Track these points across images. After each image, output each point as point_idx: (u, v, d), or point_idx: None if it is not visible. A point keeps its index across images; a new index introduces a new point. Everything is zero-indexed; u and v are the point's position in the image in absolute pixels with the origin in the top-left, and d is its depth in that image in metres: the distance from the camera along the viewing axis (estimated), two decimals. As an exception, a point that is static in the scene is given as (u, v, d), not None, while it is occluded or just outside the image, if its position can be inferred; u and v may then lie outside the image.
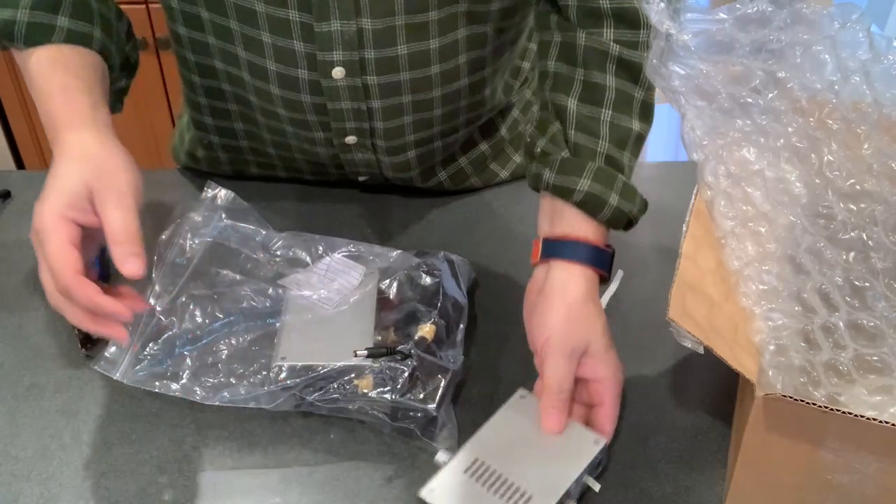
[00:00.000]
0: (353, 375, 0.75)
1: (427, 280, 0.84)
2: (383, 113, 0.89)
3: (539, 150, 0.80)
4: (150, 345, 0.79)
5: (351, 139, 0.92)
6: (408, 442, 0.75)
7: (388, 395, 0.74)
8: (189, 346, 0.79)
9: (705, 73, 0.68)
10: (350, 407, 0.75)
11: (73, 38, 0.76)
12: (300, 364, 0.76)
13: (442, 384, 0.75)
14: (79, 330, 0.85)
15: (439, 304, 0.81)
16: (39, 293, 0.90)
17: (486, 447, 0.71)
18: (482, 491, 0.68)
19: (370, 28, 0.81)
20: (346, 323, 0.80)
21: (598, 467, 0.72)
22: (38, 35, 0.75)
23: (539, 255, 0.79)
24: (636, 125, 0.80)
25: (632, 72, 0.80)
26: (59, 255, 0.65)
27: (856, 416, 0.56)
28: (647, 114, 0.82)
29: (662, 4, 0.67)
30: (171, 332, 0.80)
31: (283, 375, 0.75)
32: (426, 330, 0.78)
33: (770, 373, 0.63)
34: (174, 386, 0.77)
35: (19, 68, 0.78)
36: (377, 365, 0.75)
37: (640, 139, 0.81)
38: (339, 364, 0.75)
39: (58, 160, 0.70)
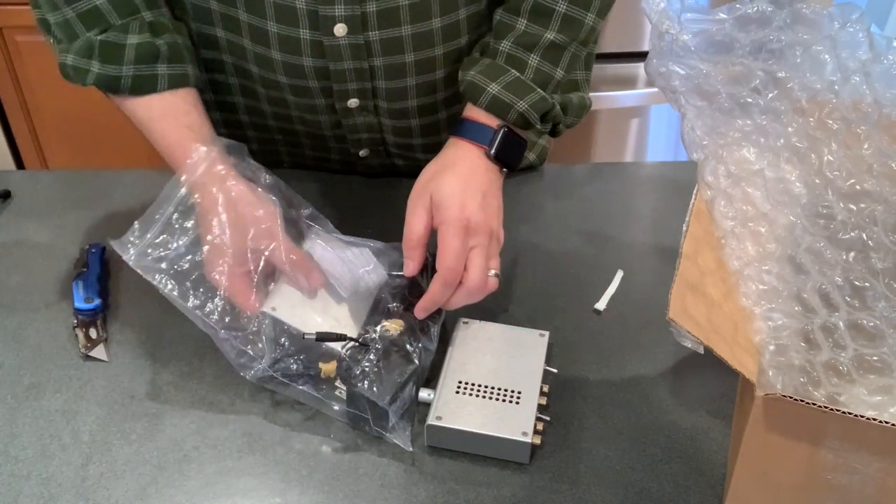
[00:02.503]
0: (319, 358, 0.78)
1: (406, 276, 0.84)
2: (385, 71, 0.90)
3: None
4: (164, 237, 0.80)
5: (353, 102, 0.93)
6: (408, 442, 0.75)
7: (343, 383, 0.76)
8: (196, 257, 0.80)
9: (705, 73, 0.68)
10: (308, 390, 0.77)
11: (174, 82, 0.85)
12: (282, 320, 0.78)
13: (399, 380, 0.75)
14: (79, 330, 0.85)
15: (413, 301, 0.82)
16: (39, 293, 0.91)
17: (460, 370, 0.78)
18: (479, 401, 0.75)
19: None
20: (342, 307, 0.81)
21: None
22: (144, 86, 0.84)
23: None
24: (551, 34, 0.86)
25: None
26: (246, 306, 0.78)
27: (856, 416, 0.56)
28: (568, 25, 0.87)
29: (663, 4, 0.67)
30: (185, 238, 0.81)
31: (263, 326, 0.78)
32: (392, 325, 0.79)
33: (770, 373, 0.63)
34: (170, 285, 0.78)
35: (124, 113, 0.87)
36: (346, 352, 0.77)
37: (556, 46, 0.87)
38: (304, 340, 0.78)
39: (206, 215, 0.79)
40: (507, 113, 0.85)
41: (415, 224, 0.82)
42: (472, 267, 0.79)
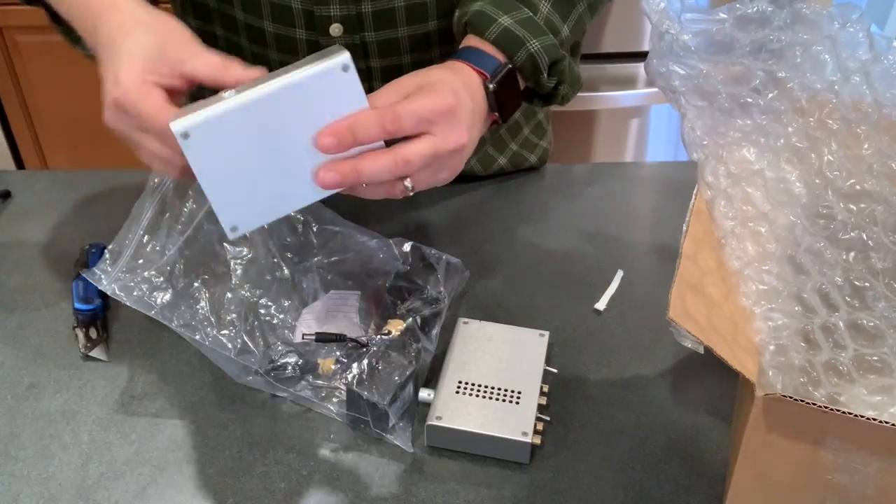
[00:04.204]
0: (317, 357, 0.78)
1: (411, 276, 0.85)
2: (382, 73, 0.90)
3: None
4: (140, 261, 0.79)
5: None
6: (409, 443, 0.75)
7: (342, 383, 0.76)
8: (182, 280, 0.80)
9: (705, 73, 0.68)
10: (308, 394, 0.77)
11: None
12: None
13: (399, 380, 0.75)
14: (79, 330, 0.85)
15: (413, 301, 0.82)
16: (39, 293, 0.91)
17: (461, 370, 0.78)
18: (479, 401, 0.75)
19: None
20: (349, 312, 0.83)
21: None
22: None
23: None
24: None
25: None
26: (158, 114, 0.65)
27: (856, 416, 0.56)
28: None
29: (663, 4, 0.67)
30: (160, 260, 0.80)
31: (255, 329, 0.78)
32: (394, 325, 0.80)
33: (770, 373, 0.63)
34: (155, 303, 0.78)
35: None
36: (341, 351, 0.78)
37: (570, 1, 0.81)
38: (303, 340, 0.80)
39: (116, 37, 0.68)
40: (517, 50, 0.76)
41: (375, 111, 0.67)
42: (418, 145, 0.67)
